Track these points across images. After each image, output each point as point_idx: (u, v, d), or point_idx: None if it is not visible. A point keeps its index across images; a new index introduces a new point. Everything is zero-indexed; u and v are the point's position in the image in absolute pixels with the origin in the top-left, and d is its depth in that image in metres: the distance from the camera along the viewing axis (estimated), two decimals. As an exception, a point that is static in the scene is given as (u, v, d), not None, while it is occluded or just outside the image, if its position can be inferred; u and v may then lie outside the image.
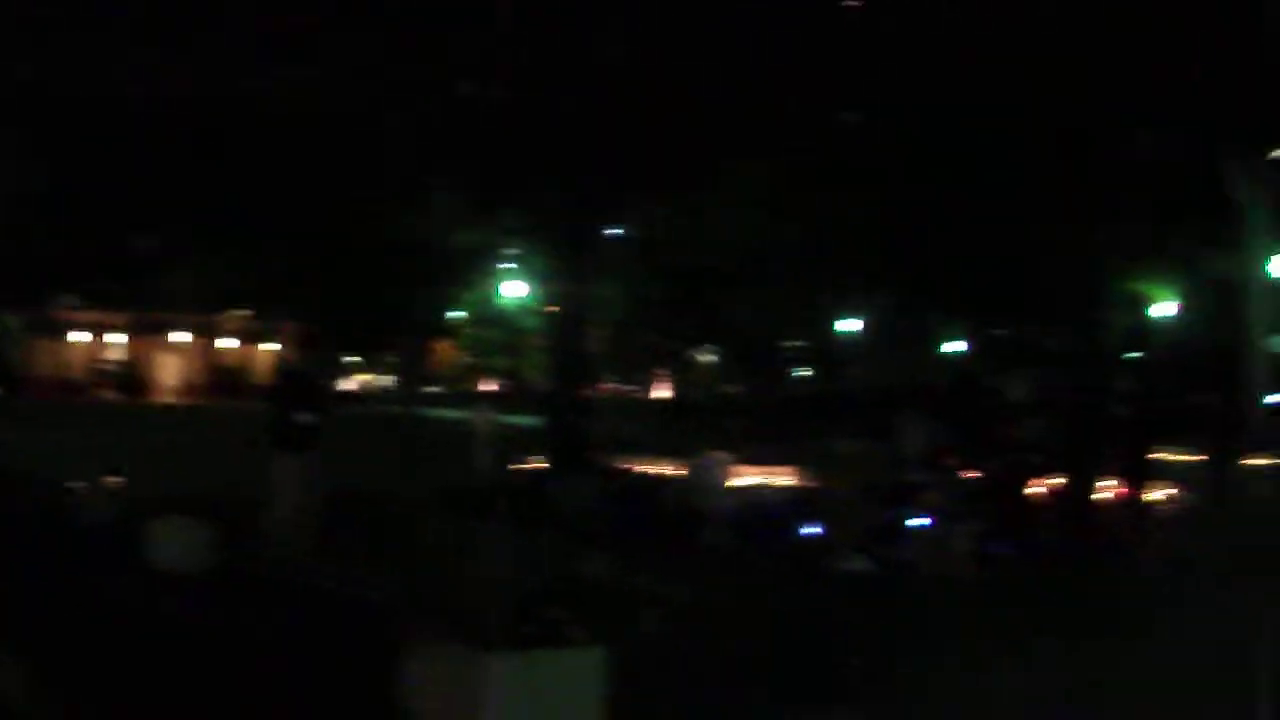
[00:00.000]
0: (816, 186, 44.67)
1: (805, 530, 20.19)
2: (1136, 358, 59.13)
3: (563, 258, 32.11)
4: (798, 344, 71.35)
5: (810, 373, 74.77)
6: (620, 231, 53.63)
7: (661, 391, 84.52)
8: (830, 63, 37.86)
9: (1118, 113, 43.28)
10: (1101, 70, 41.08)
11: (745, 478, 26.85)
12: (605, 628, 10.21)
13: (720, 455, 23.86)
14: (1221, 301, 49.81)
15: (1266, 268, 44.75)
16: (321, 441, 20.20)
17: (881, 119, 42.69)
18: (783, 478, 27.23)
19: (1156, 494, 27.38)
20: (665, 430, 45.21)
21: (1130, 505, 25.14)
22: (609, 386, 79.13)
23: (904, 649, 13.85)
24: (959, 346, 62.57)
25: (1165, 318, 54.58)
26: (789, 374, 74.28)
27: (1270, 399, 42.81)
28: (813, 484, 24.64)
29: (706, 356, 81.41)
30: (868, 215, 45.58)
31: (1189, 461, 33.10)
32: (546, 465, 27.41)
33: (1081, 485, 22.40)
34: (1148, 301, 53.56)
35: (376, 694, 10.66)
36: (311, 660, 12.37)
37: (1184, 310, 54.97)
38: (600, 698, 9.91)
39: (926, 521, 19.14)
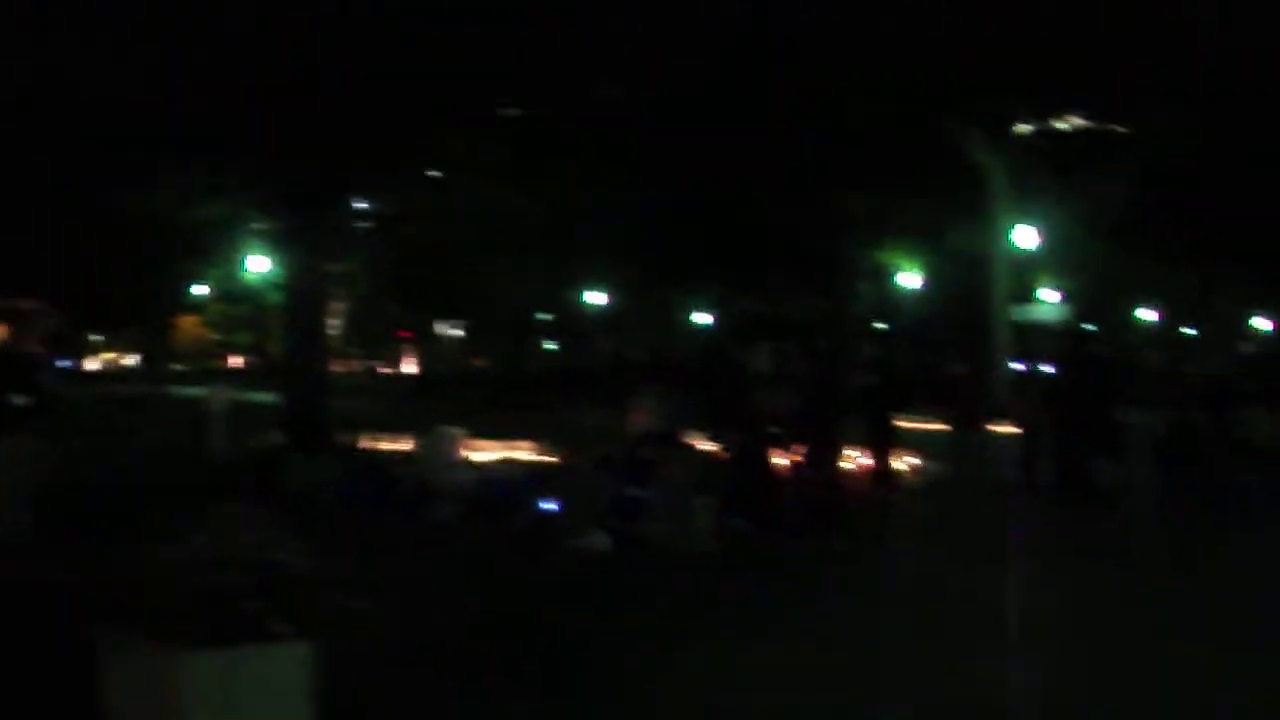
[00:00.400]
0: (560, 159, 44.22)
1: (542, 506, 19.71)
2: (883, 327, 59.80)
3: (301, 232, 31.25)
4: (545, 317, 71.01)
5: (558, 345, 74.56)
6: (364, 205, 52.74)
7: (410, 366, 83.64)
8: (571, 36, 37.36)
9: (862, 84, 43.46)
10: (846, 41, 41.19)
11: (484, 452, 26.39)
12: (314, 618, 9.60)
13: (453, 430, 23.27)
14: (967, 271, 50.49)
15: (1009, 237, 45.40)
16: (42, 424, 19.22)
17: (623, 92, 42.30)
18: (523, 452, 26.81)
19: (900, 462, 27.46)
20: (408, 406, 44.54)
21: (874, 474, 25.11)
22: (356, 363, 78.17)
23: (640, 627, 13.48)
24: (707, 319, 62.64)
25: (911, 288, 55.29)
26: (536, 347, 73.92)
27: (1015, 366, 43.41)
28: (552, 458, 24.26)
29: (452, 330, 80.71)
30: (612, 188, 45.31)
31: (933, 430, 33.36)
32: (282, 444, 26.61)
33: (823, 456, 22.20)
34: (894, 272, 54.17)
35: (78, 697, 9.91)
36: (4, 661, 11.55)
37: (930, 280, 55.70)
38: (307, 695, 9.29)
39: (666, 496, 18.76)
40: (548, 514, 19.51)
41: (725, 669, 11.92)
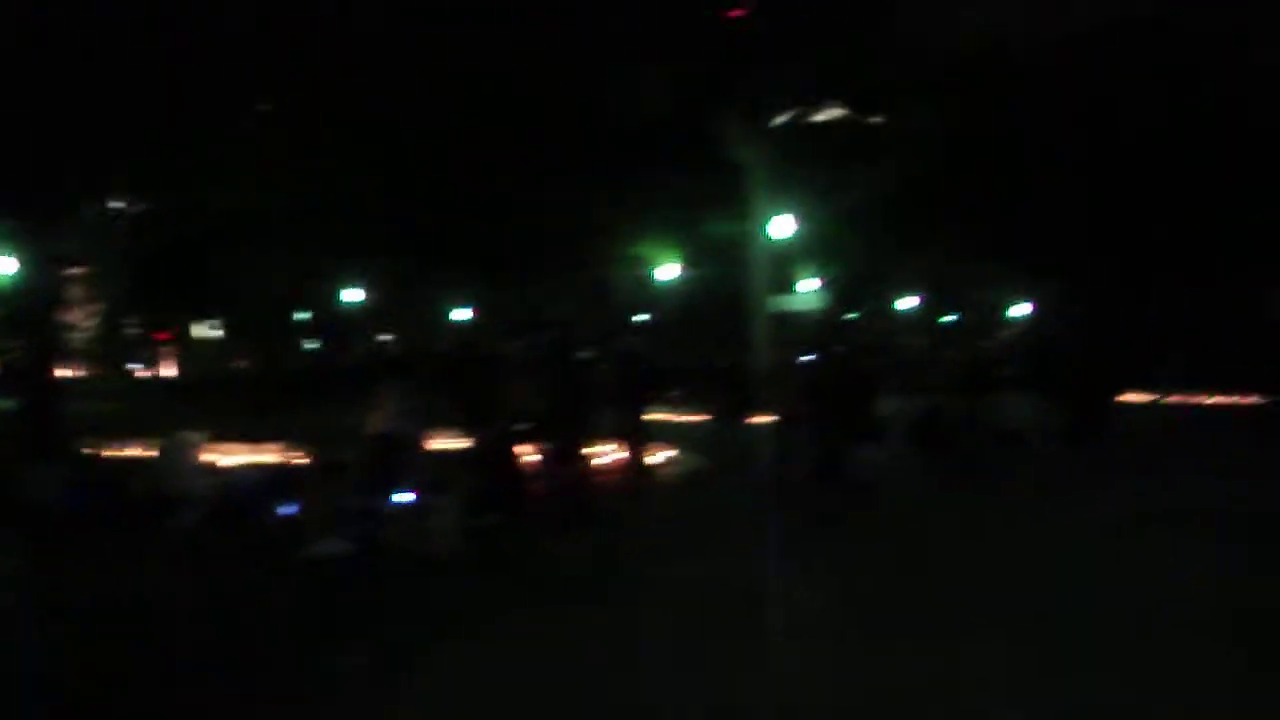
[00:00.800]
0: (311, 153, 43.42)
1: (282, 511, 18.97)
2: (643, 319, 59.58)
3: (32, 233, 30.21)
4: (304, 315, 69.62)
5: (319, 344, 73.12)
6: (117, 204, 51.44)
7: (168, 369, 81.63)
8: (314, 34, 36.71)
9: (620, 75, 43.24)
10: (602, 33, 40.96)
11: (231, 456, 25.58)
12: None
13: (194, 435, 22.35)
14: (726, 261, 50.48)
15: (766, 229, 45.34)
16: None
17: (377, 87, 41.62)
18: (270, 455, 26.01)
19: (656, 455, 27.14)
20: (162, 410, 43.30)
21: (626, 468, 24.79)
22: (108, 367, 76.08)
23: (375, 635, 12.89)
24: (466, 314, 61.74)
25: (672, 279, 55.02)
26: (295, 346, 72.41)
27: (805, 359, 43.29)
28: (297, 461, 23.51)
29: (211, 331, 78.75)
30: (366, 181, 44.59)
31: (693, 421, 33.13)
32: (10, 453, 25.40)
33: (572, 450, 21.74)
34: (653, 263, 53.83)
35: None
36: None
37: (691, 271, 55.53)
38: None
39: (408, 497, 18.14)
40: (287, 519, 18.77)
41: (450, 684, 11.37)
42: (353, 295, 59.92)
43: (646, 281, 55.04)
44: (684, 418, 33.57)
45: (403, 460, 18.74)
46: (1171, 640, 12.24)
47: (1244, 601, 13.69)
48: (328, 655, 12.15)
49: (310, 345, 74.23)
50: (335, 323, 66.77)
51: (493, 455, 20.06)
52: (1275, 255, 59.24)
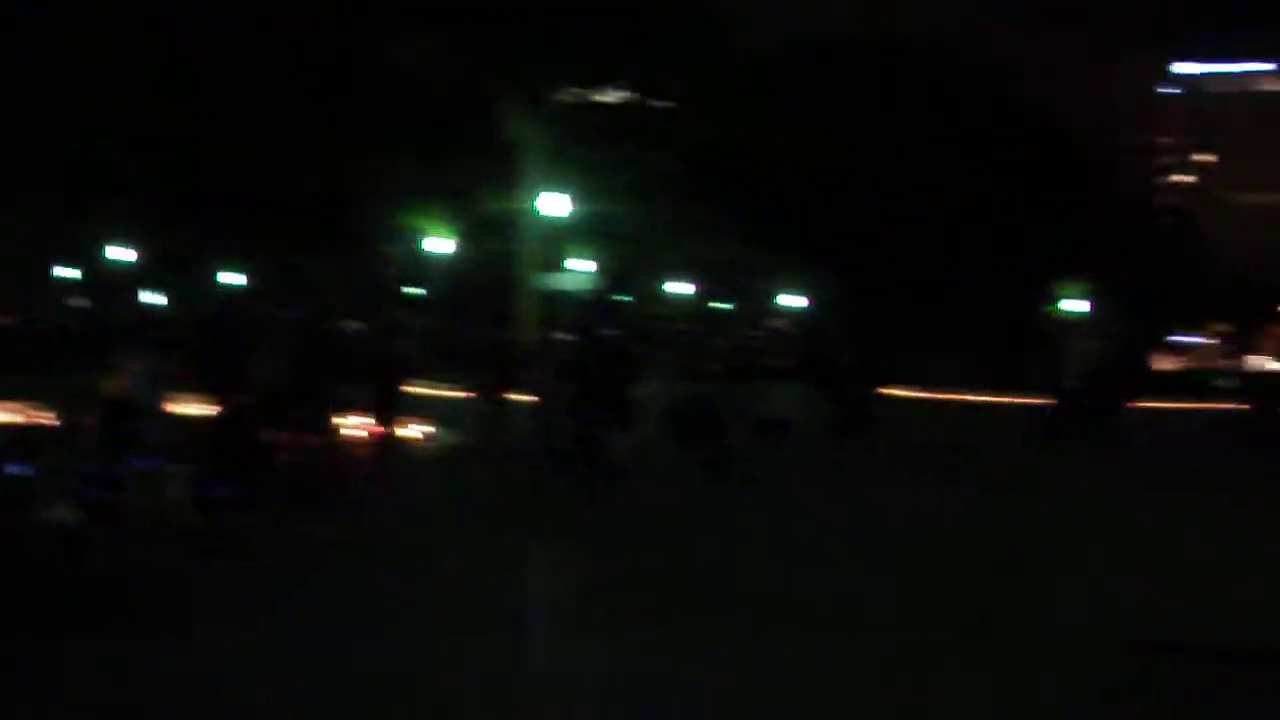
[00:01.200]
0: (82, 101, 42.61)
1: (12, 471, 18.45)
2: (416, 292, 59.23)
3: None
4: (70, 273, 68.19)
5: (87, 302, 71.64)
6: None
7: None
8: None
9: (389, 45, 42.91)
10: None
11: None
12: None
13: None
14: (496, 238, 50.35)
15: (536, 205, 45.13)
16: None
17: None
18: (7, 414, 25.31)
19: (411, 430, 26.97)
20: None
21: (377, 442, 24.62)
22: None
23: (101, 613, 12.52)
24: (238, 278, 60.73)
25: (443, 253, 54.48)
26: (58, 302, 70.89)
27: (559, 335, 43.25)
28: (38, 421, 22.91)
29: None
30: (130, 133, 43.83)
31: (454, 397, 32.95)
32: None
33: (319, 421, 21.51)
34: (423, 236, 53.27)
35: None
36: None
37: (463, 246, 55.15)
38: None
39: (144, 464, 17.74)
40: (18, 481, 18.27)
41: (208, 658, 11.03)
42: (120, 254, 58.63)
43: (418, 254, 54.50)
44: (445, 393, 33.41)
45: (140, 426, 18.33)
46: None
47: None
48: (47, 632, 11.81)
49: (79, 303, 72.72)
50: (103, 281, 65.40)
51: (236, 424, 19.73)
52: (1050, 259, 60.79)
